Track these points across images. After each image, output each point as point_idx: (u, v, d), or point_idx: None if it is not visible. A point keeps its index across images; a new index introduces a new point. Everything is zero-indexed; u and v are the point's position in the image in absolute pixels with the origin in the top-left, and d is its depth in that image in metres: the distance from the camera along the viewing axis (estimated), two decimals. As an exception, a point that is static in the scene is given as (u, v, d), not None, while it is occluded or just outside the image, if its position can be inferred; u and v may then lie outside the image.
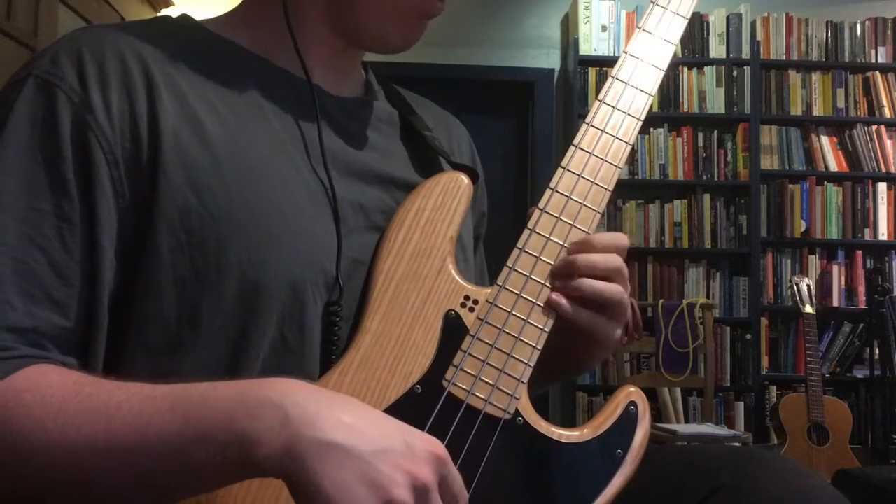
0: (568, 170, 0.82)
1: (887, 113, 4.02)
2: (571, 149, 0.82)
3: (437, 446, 0.63)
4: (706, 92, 4.00)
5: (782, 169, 4.00)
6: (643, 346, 3.37)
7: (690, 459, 0.83)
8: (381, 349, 0.75)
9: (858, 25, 4.08)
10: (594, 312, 0.80)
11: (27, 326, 0.67)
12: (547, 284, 0.79)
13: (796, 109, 4.03)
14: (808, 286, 3.50)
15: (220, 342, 0.72)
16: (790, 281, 3.61)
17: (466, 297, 0.78)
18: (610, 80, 0.84)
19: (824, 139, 4.03)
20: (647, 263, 3.96)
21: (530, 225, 0.80)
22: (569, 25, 4.17)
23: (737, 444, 3.04)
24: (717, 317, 3.80)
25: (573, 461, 0.76)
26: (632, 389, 0.80)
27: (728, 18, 4.03)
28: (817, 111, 4.03)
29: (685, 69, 3.99)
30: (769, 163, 3.99)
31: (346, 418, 0.60)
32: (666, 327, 3.29)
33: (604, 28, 4.01)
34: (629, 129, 0.83)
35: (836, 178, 4.00)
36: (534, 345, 0.77)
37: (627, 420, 0.78)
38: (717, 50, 4.03)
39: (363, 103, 0.88)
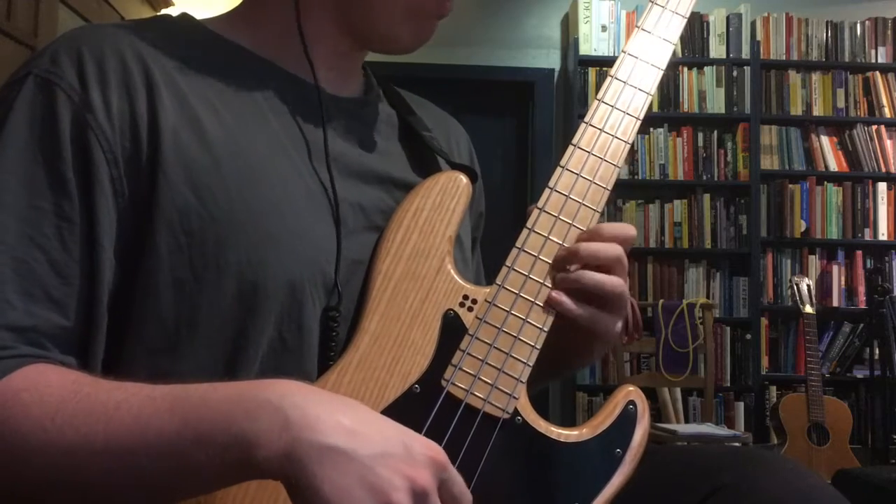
0: (567, 169, 0.81)
1: (887, 113, 4.02)
2: (570, 148, 0.82)
3: (437, 450, 0.63)
4: (706, 92, 4.00)
5: (782, 169, 4.00)
6: (643, 346, 3.37)
7: (690, 459, 0.83)
8: (379, 349, 0.75)
9: (858, 25, 4.08)
10: (595, 309, 0.80)
11: (26, 325, 0.67)
12: (546, 283, 0.79)
13: (796, 109, 4.03)
14: (808, 286, 3.50)
15: (219, 342, 0.72)
16: (790, 281, 3.61)
17: (465, 297, 0.78)
18: (609, 79, 0.84)
19: (824, 139, 4.03)
20: (647, 263, 3.96)
21: (529, 224, 0.80)
22: (569, 25, 4.17)
23: (737, 444, 3.04)
24: (717, 317, 3.80)
25: (572, 460, 0.76)
26: (631, 389, 0.80)
27: (728, 18, 4.03)
28: (817, 111, 4.03)
29: (685, 69, 3.99)
30: (769, 163, 3.99)
31: (346, 421, 0.60)
32: (666, 327, 3.29)
33: (604, 28, 4.01)
34: (628, 128, 0.83)
35: (836, 178, 4.00)
36: (533, 344, 0.77)
37: (626, 419, 0.78)
38: (717, 50, 4.03)
39: (362, 104, 0.88)
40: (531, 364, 0.77)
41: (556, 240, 0.80)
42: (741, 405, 3.88)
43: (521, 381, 0.76)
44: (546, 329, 0.78)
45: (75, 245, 0.69)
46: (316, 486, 0.57)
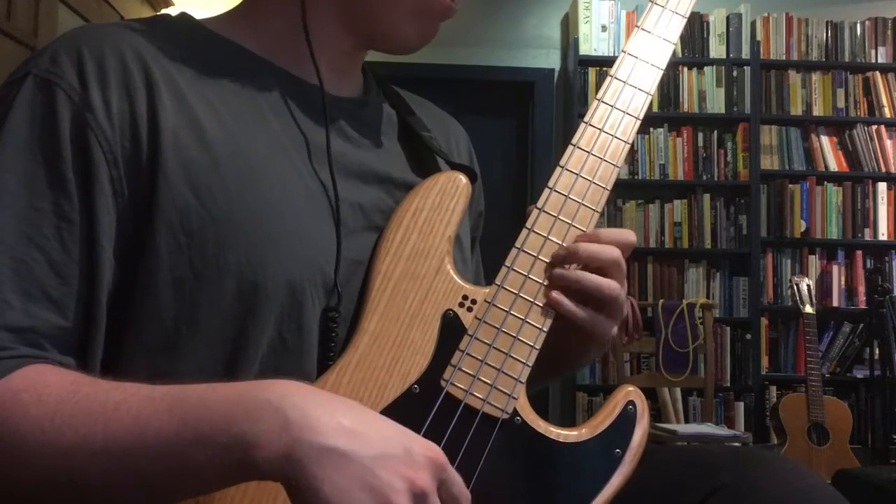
0: (566, 169, 0.81)
1: (887, 113, 4.02)
2: (570, 148, 0.82)
3: (436, 451, 0.63)
4: (706, 92, 4.00)
5: (782, 169, 4.00)
6: (643, 346, 3.37)
7: (690, 459, 0.83)
8: (378, 349, 0.75)
9: (858, 25, 4.08)
10: (594, 311, 0.80)
11: (25, 326, 0.66)
12: (545, 283, 0.79)
13: (796, 109, 4.03)
14: (808, 286, 3.49)
15: (219, 342, 0.72)
16: (790, 281, 3.61)
17: (464, 297, 0.78)
18: (609, 79, 0.84)
19: (824, 139, 4.03)
20: (647, 263, 3.96)
21: (528, 224, 0.80)
22: (569, 25, 4.17)
23: (737, 444, 3.04)
24: (717, 317, 3.80)
25: (572, 461, 0.76)
26: (630, 389, 0.80)
27: (728, 18, 4.03)
28: (817, 111, 4.03)
29: (685, 69, 3.99)
30: (769, 163, 3.99)
31: (346, 422, 0.60)
32: (666, 327, 3.29)
33: (604, 28, 4.01)
34: (628, 128, 0.83)
35: (836, 178, 4.00)
36: (532, 344, 0.77)
37: (626, 419, 0.78)
38: (717, 50, 4.03)
39: (362, 104, 0.88)
40: (530, 364, 0.77)
41: (555, 240, 0.80)
42: (741, 405, 3.88)
43: (521, 382, 0.76)
44: (545, 329, 0.78)
45: (75, 245, 0.69)
46: (316, 487, 0.57)
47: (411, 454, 0.61)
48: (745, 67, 3.99)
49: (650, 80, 0.84)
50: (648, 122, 3.89)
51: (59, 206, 0.69)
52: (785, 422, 3.33)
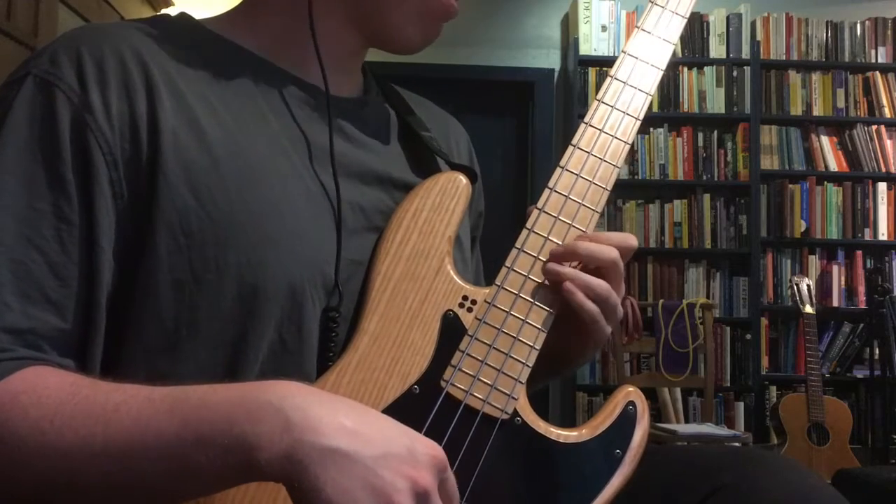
0: (566, 169, 0.81)
1: (887, 113, 4.02)
2: (570, 148, 0.82)
3: (438, 451, 0.63)
4: (706, 92, 4.00)
5: (782, 169, 4.00)
6: (643, 346, 3.37)
7: (690, 459, 0.82)
8: (378, 350, 0.75)
9: (858, 25, 4.08)
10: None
11: (24, 328, 0.66)
12: (545, 284, 0.79)
13: (796, 109, 4.03)
14: (808, 286, 3.49)
15: (219, 345, 0.72)
16: (790, 281, 3.61)
17: (465, 298, 0.78)
18: (608, 79, 0.84)
19: (824, 139, 4.02)
20: (647, 263, 3.96)
21: (528, 224, 0.80)
22: (569, 25, 4.17)
23: (737, 444, 3.04)
24: (717, 317, 3.80)
25: (572, 461, 0.76)
26: (630, 389, 0.80)
27: (728, 18, 4.03)
28: (817, 111, 4.03)
29: (685, 69, 3.99)
30: (769, 163, 3.99)
31: (348, 423, 0.60)
32: (666, 327, 3.29)
33: (604, 28, 4.01)
34: (628, 128, 0.83)
35: (836, 178, 4.00)
36: (532, 345, 0.77)
37: (626, 420, 0.78)
38: (717, 50, 4.03)
39: (362, 104, 0.88)
40: (530, 365, 0.77)
41: (555, 240, 0.80)
42: (741, 405, 3.88)
43: (521, 382, 0.76)
44: (545, 330, 0.78)
45: (74, 247, 0.69)
46: (318, 487, 0.57)
47: (414, 453, 0.61)
48: (745, 67, 3.99)
49: (650, 80, 0.84)
50: (648, 122, 3.89)
51: (59, 208, 0.69)
52: (785, 422, 3.33)
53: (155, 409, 0.61)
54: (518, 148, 4.28)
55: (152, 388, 0.63)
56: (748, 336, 3.91)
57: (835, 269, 3.97)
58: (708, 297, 3.88)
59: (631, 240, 0.82)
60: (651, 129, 3.97)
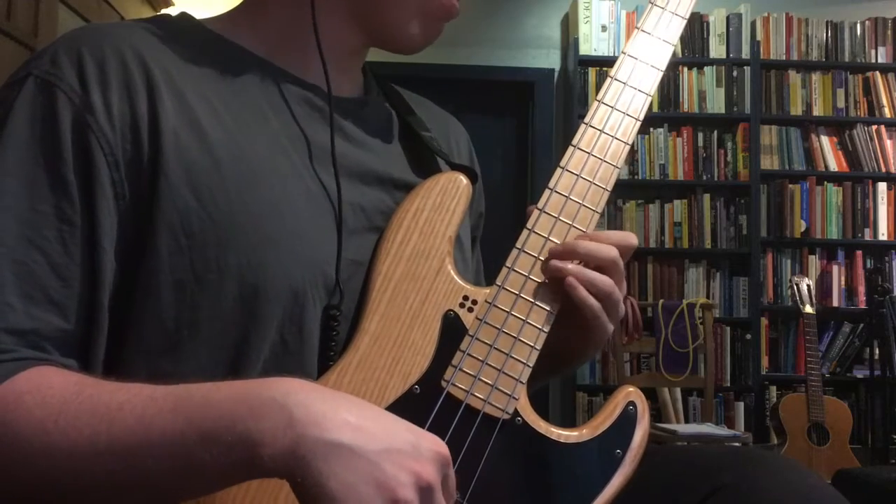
0: (567, 170, 0.82)
1: (887, 113, 4.02)
2: (570, 149, 0.82)
3: (441, 445, 0.63)
4: (706, 92, 4.00)
5: (782, 169, 4.01)
6: (643, 346, 3.37)
7: (690, 459, 0.83)
8: (379, 350, 0.75)
9: (858, 25, 4.08)
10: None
11: (27, 328, 0.66)
12: (546, 283, 0.79)
13: (796, 109, 4.03)
14: (808, 286, 3.50)
15: (220, 346, 0.72)
16: (790, 281, 3.61)
17: (465, 298, 0.78)
18: (608, 80, 0.84)
19: (824, 139, 4.03)
20: (647, 263, 3.96)
21: (529, 225, 0.80)
22: (569, 25, 4.17)
23: (737, 444, 3.04)
24: (717, 317, 3.80)
25: (572, 461, 0.76)
26: (631, 389, 0.80)
27: (728, 18, 4.04)
28: (817, 111, 4.03)
29: (685, 69, 3.99)
30: (769, 163, 3.99)
31: (351, 418, 0.60)
32: (666, 327, 3.29)
33: (604, 28, 4.01)
34: (628, 129, 0.83)
35: (836, 178, 4.00)
36: (532, 345, 0.77)
37: (626, 420, 0.78)
38: (717, 50, 4.03)
39: (363, 104, 0.88)
40: (531, 365, 0.77)
41: (555, 241, 0.80)
42: (741, 405, 3.89)
43: (521, 382, 0.76)
44: (546, 330, 0.78)
45: (76, 247, 0.69)
46: (322, 482, 0.57)
47: (417, 448, 0.61)
48: (745, 67, 3.99)
49: (650, 81, 0.84)
50: (648, 122, 3.89)
51: (61, 209, 0.69)
52: (785, 422, 3.33)
53: (159, 407, 0.61)
54: (518, 148, 4.28)
55: (155, 386, 0.63)
56: (748, 336, 3.91)
57: (835, 269, 3.97)
58: (708, 297, 3.88)
59: (631, 238, 0.82)
60: (651, 129, 3.98)
